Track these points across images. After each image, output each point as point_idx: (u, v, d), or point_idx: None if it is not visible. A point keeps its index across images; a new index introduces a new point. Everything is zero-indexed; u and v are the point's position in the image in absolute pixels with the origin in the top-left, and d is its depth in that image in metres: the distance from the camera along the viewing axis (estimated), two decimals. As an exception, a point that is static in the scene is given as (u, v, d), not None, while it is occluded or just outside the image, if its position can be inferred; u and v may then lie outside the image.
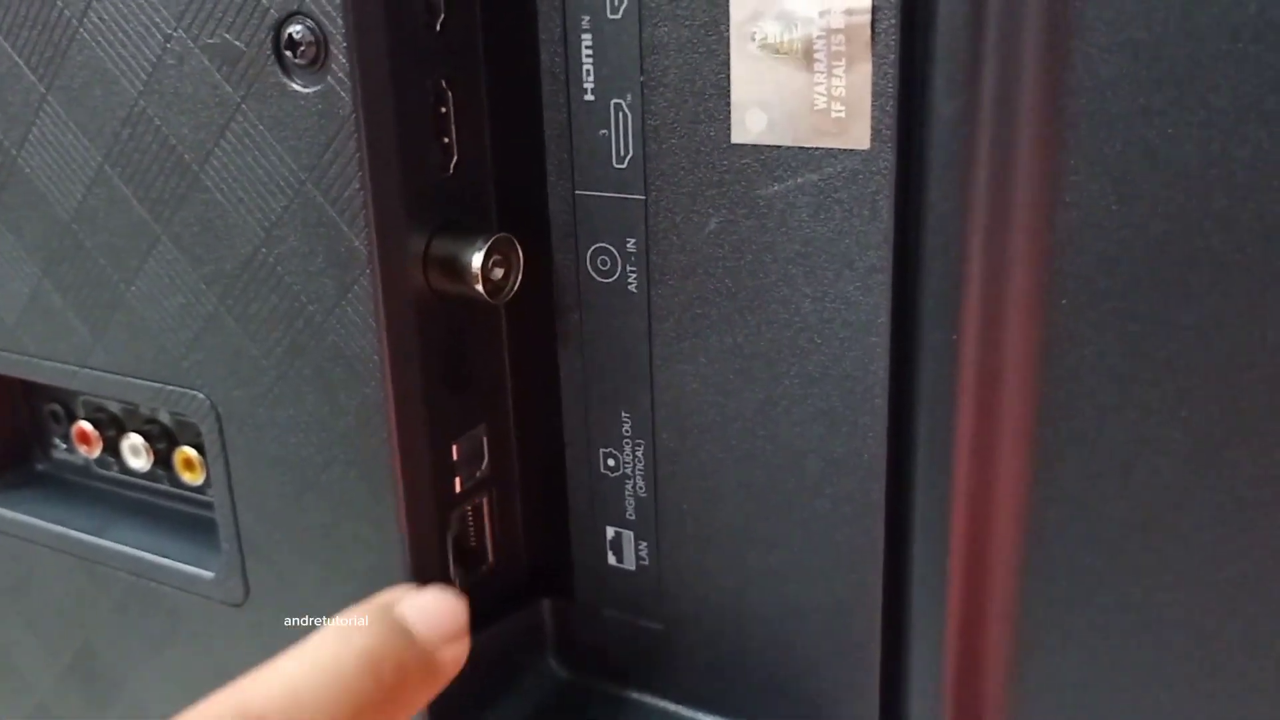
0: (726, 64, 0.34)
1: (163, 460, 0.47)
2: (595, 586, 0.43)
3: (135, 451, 0.47)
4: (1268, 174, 0.29)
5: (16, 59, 0.39)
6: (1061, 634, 0.35)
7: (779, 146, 0.34)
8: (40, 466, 0.52)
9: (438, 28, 0.36)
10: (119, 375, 0.42)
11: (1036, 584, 0.35)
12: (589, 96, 0.36)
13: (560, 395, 0.41)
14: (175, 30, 0.36)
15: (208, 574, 0.44)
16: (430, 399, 0.38)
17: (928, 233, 0.33)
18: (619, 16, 0.35)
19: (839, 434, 0.36)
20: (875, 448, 0.36)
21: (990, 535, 0.35)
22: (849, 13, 0.31)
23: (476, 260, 0.36)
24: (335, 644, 0.33)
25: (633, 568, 0.42)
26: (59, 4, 0.38)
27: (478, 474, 0.41)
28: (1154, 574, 0.33)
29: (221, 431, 0.41)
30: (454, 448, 0.40)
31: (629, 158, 0.36)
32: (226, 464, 0.41)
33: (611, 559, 0.42)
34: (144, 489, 0.49)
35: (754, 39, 0.33)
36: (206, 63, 0.35)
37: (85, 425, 0.48)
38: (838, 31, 0.32)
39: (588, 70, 0.36)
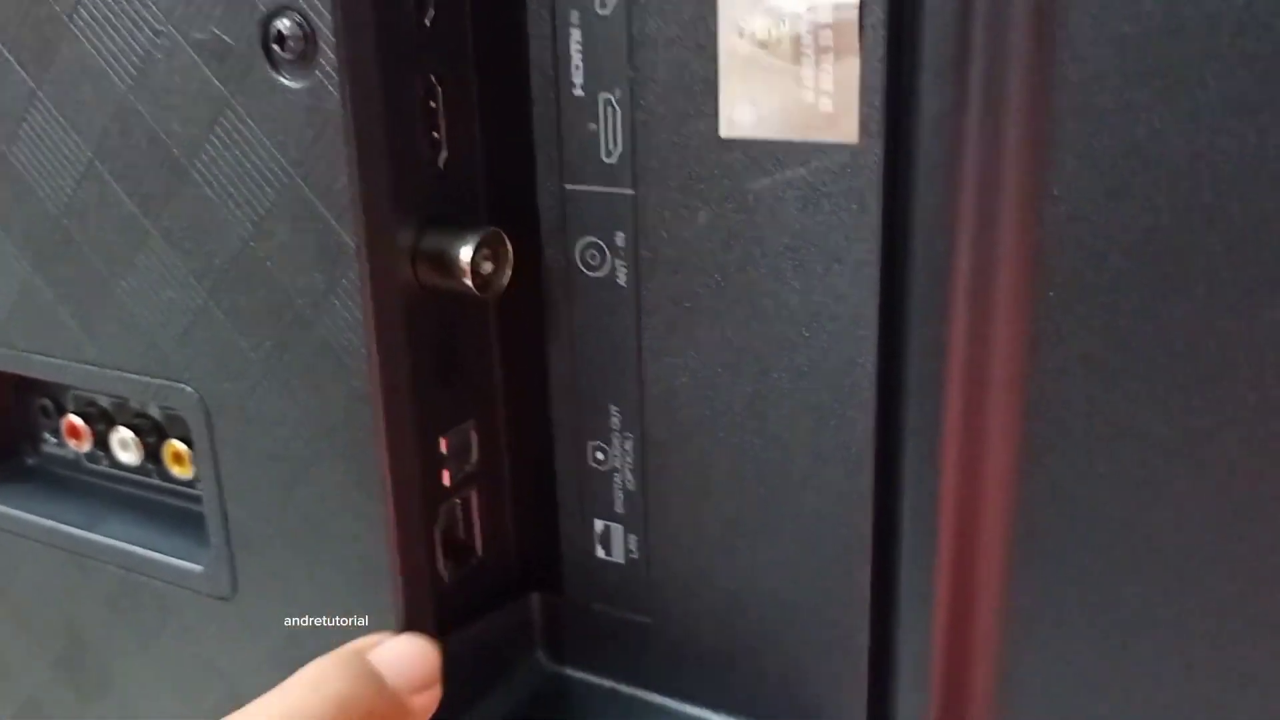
0: (715, 59, 0.34)
1: (152, 454, 0.47)
2: (584, 580, 0.43)
3: (125, 446, 0.47)
4: (1254, 168, 0.29)
5: (6, 55, 0.39)
6: (1050, 627, 0.35)
7: (767, 141, 0.34)
8: (30, 461, 0.52)
9: (427, 23, 0.36)
10: (108, 369, 0.42)
11: (1025, 577, 0.35)
12: (578, 92, 0.36)
13: (549, 389, 0.41)
14: (164, 25, 0.36)
15: (196, 568, 0.44)
16: (419, 393, 0.38)
17: (916, 227, 0.33)
18: (608, 12, 0.35)
19: (827, 427, 0.36)
20: (863, 441, 0.36)
21: (978, 529, 0.35)
22: (837, 7, 0.32)
23: (465, 254, 0.36)
24: (305, 691, 0.33)
25: (621, 561, 0.42)
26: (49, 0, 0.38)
27: (466, 467, 0.41)
28: (1142, 567, 0.33)
29: (210, 425, 0.41)
30: (442, 441, 0.40)
31: (618, 152, 0.36)
32: (215, 458, 0.41)
33: (600, 552, 0.42)
34: (134, 483, 0.49)
35: (742, 34, 0.33)
36: (195, 57, 0.35)
37: (75, 419, 0.48)
38: (825, 26, 0.32)
39: (577, 65, 0.36)
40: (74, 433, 0.49)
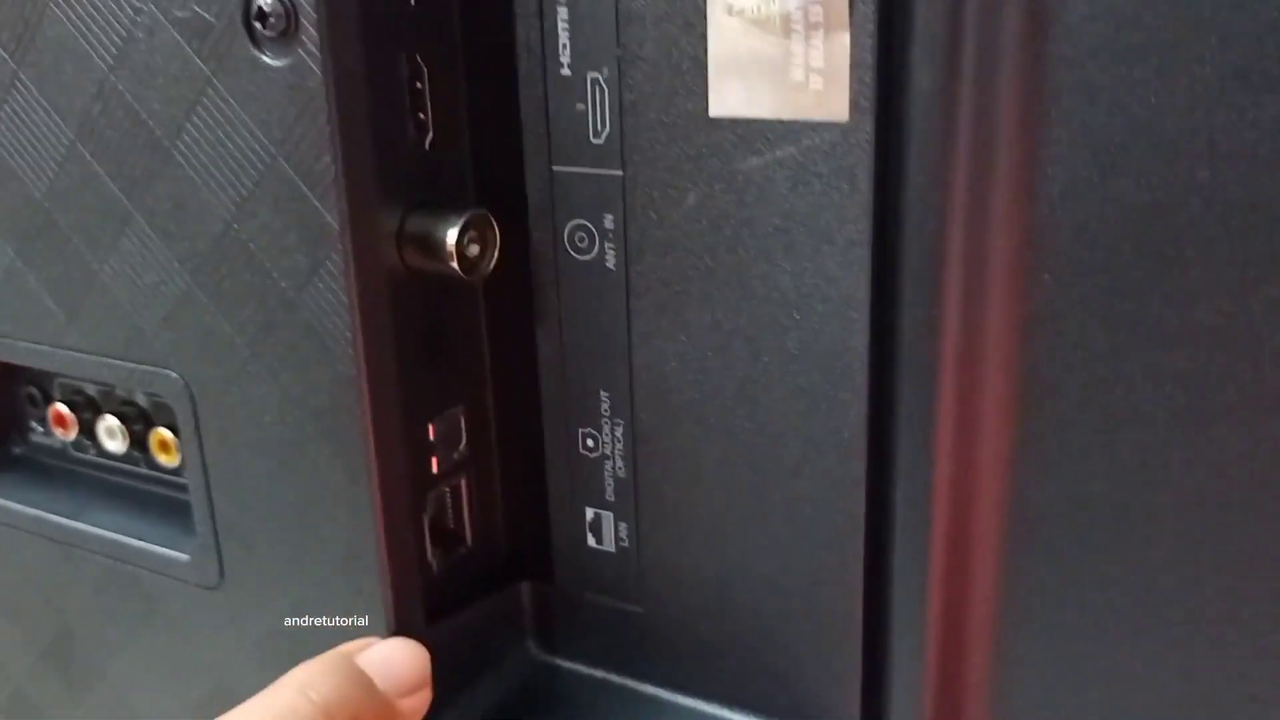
0: (704, 36, 0.33)
1: (139, 442, 0.47)
2: (575, 569, 0.42)
3: (111, 434, 0.47)
4: (1251, 144, 0.28)
5: (-13, 36, 0.39)
6: (1045, 612, 0.35)
7: (757, 120, 0.33)
8: (17, 450, 0.51)
9: (412, 1, 0.35)
10: (93, 355, 0.42)
11: (1019, 562, 0.34)
12: (565, 71, 0.36)
13: (539, 375, 0.40)
14: (145, 3, 0.35)
15: (183, 557, 0.44)
16: (406, 377, 0.38)
17: (908, 206, 0.33)
18: None
19: (819, 412, 0.36)
20: (856, 426, 0.35)
21: (972, 514, 0.35)
22: (826, -18, 0.31)
23: (451, 237, 0.36)
24: (293, 695, 0.33)
25: (612, 549, 0.41)
26: (29, -22, 0.37)
27: (455, 454, 0.41)
28: (1138, 551, 0.33)
29: (195, 411, 0.40)
30: (430, 427, 0.39)
31: (606, 133, 0.36)
32: (200, 445, 0.41)
33: (591, 541, 0.42)
34: (121, 472, 0.48)
35: (731, 10, 0.32)
36: (176, 36, 0.35)
37: (61, 407, 0.48)
38: (815, 2, 0.31)
39: (564, 44, 0.35)
40: (60, 421, 0.48)
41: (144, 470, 0.48)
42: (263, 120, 0.34)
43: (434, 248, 0.36)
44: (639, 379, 0.38)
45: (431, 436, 0.39)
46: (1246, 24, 0.28)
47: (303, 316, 0.36)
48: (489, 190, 0.38)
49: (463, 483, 0.41)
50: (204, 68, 0.35)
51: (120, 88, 0.37)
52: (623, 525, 0.41)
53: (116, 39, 0.36)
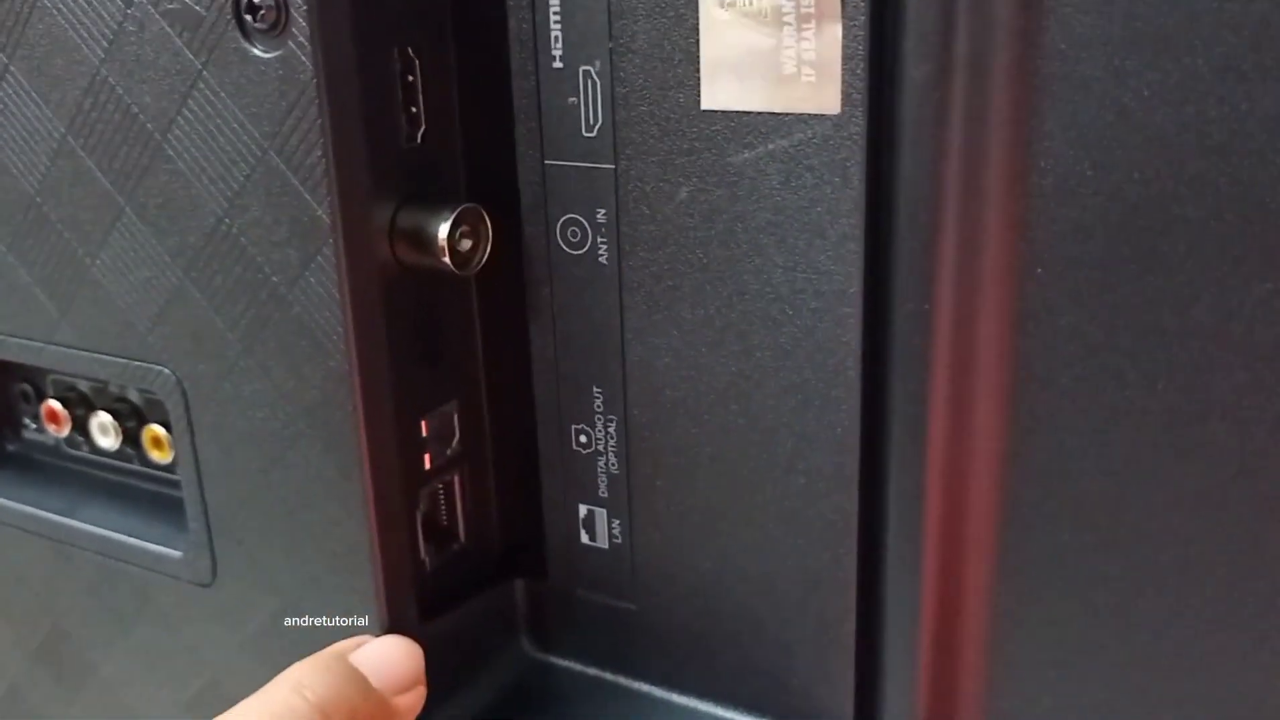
0: (696, 28, 0.33)
1: (131, 439, 0.46)
2: (568, 566, 0.42)
3: (104, 430, 0.47)
4: (1244, 137, 0.28)
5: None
6: (1038, 608, 0.34)
7: (749, 112, 0.33)
8: (10, 447, 0.51)
9: (404, -7, 0.35)
10: (85, 352, 0.42)
11: (1013, 557, 0.34)
12: (557, 64, 0.36)
13: (532, 371, 0.40)
14: (135, -4, 0.35)
15: (176, 554, 0.43)
16: (398, 373, 0.37)
17: (900, 200, 0.32)
18: None
19: (812, 407, 0.35)
20: (848, 421, 0.35)
21: (966, 509, 0.34)
22: (818, -26, 0.31)
23: (443, 231, 0.36)
24: (288, 694, 0.33)
25: (605, 546, 0.41)
26: (20, -29, 0.37)
27: (448, 451, 0.40)
28: (1131, 548, 0.33)
29: (187, 407, 0.40)
30: (423, 424, 0.39)
31: (598, 126, 0.36)
32: (193, 441, 0.41)
33: (584, 537, 0.41)
34: (114, 469, 0.48)
35: (723, 3, 0.32)
36: (167, 28, 0.35)
37: (54, 404, 0.48)
38: (807, -7, 0.31)
39: (556, 36, 0.35)
40: (53, 418, 0.48)
41: (137, 467, 0.47)
42: (253, 113, 0.34)
43: (426, 242, 0.36)
44: (632, 375, 0.38)
45: (424, 432, 0.39)
46: (1239, 15, 0.27)
47: (294, 312, 0.36)
48: (481, 184, 0.38)
49: (456, 479, 0.41)
50: (195, 60, 0.35)
51: (111, 81, 0.37)
52: (616, 522, 0.40)
53: (108, 31, 0.36)
